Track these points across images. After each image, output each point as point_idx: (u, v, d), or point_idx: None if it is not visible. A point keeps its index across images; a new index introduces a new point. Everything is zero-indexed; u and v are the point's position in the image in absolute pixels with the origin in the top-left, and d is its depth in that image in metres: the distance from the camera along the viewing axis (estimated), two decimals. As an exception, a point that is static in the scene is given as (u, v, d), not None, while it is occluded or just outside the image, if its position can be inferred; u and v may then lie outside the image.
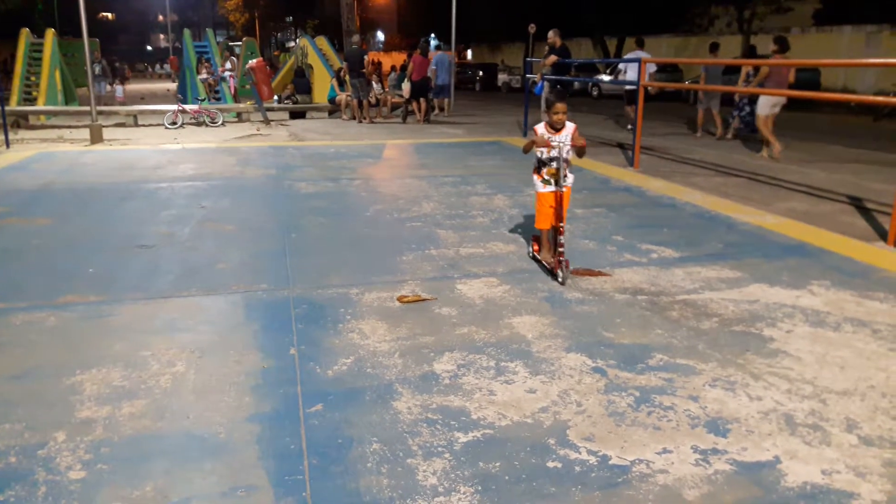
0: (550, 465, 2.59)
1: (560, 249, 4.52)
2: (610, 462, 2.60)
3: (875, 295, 4.40)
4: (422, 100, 15.88)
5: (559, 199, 4.70)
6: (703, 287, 4.55)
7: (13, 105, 16.16)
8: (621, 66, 13.80)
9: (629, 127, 14.10)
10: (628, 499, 2.38)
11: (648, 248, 5.43)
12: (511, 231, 6.04)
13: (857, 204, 7.23)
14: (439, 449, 2.69)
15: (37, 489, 2.42)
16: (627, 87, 13.85)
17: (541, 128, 4.81)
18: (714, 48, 13.75)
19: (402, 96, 17.07)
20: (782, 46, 10.32)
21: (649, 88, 11.81)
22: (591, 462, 2.61)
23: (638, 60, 10.10)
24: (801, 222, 6.34)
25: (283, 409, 2.99)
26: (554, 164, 4.74)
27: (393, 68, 23.91)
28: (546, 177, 4.78)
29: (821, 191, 7.94)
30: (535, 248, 5.10)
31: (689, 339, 3.72)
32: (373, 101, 16.69)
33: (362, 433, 2.80)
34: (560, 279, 4.56)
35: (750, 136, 12.46)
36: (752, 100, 11.55)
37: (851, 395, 3.12)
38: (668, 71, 26.57)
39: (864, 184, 8.32)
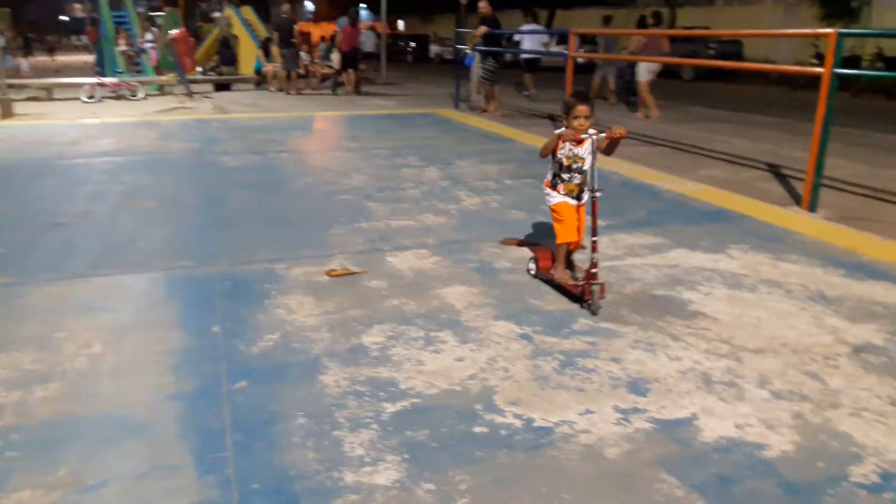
0: (477, 430, 2.62)
1: (593, 271, 3.65)
2: (534, 425, 2.65)
3: (789, 257, 4.60)
4: (351, 71, 15.62)
5: (579, 211, 3.95)
6: (627, 253, 4.65)
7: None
8: (516, 37, 14.37)
9: (525, 93, 15.14)
10: (552, 459, 2.44)
11: (576, 217, 5.51)
12: (442, 203, 6.03)
13: (775, 171, 7.51)
14: (366, 420, 2.68)
15: None
16: (524, 55, 15.18)
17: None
18: (607, 20, 15.60)
19: (331, 67, 16.75)
20: (657, 20, 12.35)
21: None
22: (516, 426, 2.65)
23: (532, 33, 10.84)
24: (721, 189, 6.54)
25: (206, 387, 2.92)
26: (576, 178, 3.88)
27: (322, 39, 23.41)
28: (563, 192, 3.93)
29: (741, 159, 8.21)
30: (545, 265, 4.10)
31: (612, 303, 3.81)
32: (302, 72, 16.32)
33: (288, 408, 2.76)
34: (591, 307, 3.67)
35: (632, 99, 13.39)
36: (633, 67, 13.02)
37: (765, 353, 3.25)
38: (595, 43, 26.89)
39: (781, 151, 8.65)
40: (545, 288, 4.06)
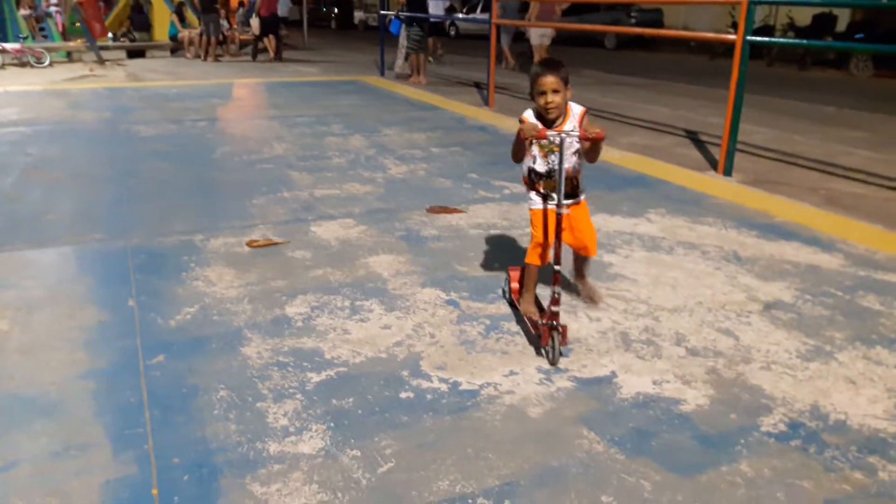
0: (403, 395, 2.62)
1: (554, 309, 2.78)
2: (460, 388, 2.67)
3: (705, 220, 4.75)
4: (272, 36, 15.17)
5: (560, 222, 2.83)
6: (552, 219, 4.71)
7: None
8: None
9: (430, 59, 14.79)
10: (477, 420, 2.46)
11: (501, 185, 5.55)
12: (368, 171, 5.96)
13: (693, 137, 7.73)
14: (291, 390, 2.64)
15: None
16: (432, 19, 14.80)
17: (530, 115, 3.00)
18: None
19: (251, 33, 16.22)
20: None
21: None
22: (442, 389, 2.66)
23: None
24: (641, 155, 6.70)
25: (122, 362, 2.81)
26: (554, 175, 2.91)
27: (241, 3, 22.60)
28: (543, 190, 3.06)
29: (661, 125, 8.41)
30: (514, 287, 3.33)
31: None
32: (220, 38, 15.74)
33: (208, 381, 2.69)
34: (549, 355, 2.85)
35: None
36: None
37: (681, 312, 3.37)
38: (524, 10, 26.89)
39: (699, 118, 8.90)
40: (472, 254, 4.07)
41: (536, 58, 12.00)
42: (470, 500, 2.07)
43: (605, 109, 9.45)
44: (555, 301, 2.80)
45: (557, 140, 2.78)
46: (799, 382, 2.76)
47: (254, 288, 3.57)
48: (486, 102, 9.51)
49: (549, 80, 2.87)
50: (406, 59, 12.35)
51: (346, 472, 2.20)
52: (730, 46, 5.96)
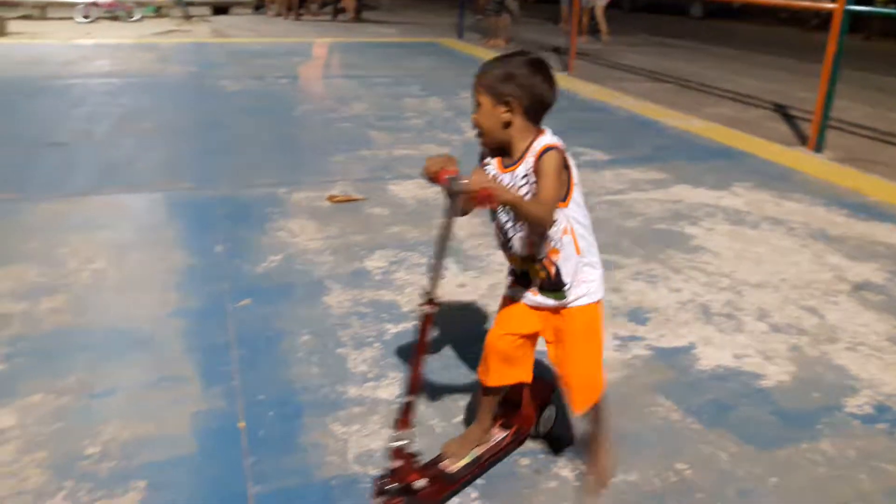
0: (474, 350, 2.64)
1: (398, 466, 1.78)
2: (537, 347, 2.68)
3: (792, 196, 4.58)
4: (354, -4, 15.21)
5: (528, 322, 1.90)
6: (630, 188, 4.63)
7: None
8: None
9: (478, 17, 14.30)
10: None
11: (579, 151, 5.47)
12: (445, 133, 5.96)
13: (782, 111, 7.41)
14: (369, 339, 2.71)
15: (-50, 384, 2.34)
16: None
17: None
18: None
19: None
20: None
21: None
22: (517, 350, 2.68)
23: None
24: (727, 127, 6.47)
25: (210, 304, 2.94)
26: (514, 245, 1.85)
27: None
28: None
29: (748, 97, 8.10)
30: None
31: (614, 236, 3.81)
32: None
33: (292, 326, 2.79)
34: None
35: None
36: None
37: (765, 287, 3.28)
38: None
39: (789, 91, 8.52)
40: (548, 219, 4.05)
41: (585, 21, 11.69)
42: (541, 456, 2.10)
43: (688, 79, 9.15)
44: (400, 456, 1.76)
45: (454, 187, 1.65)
46: (888, 366, 2.67)
47: (334, 241, 3.65)
48: (566, 68, 9.34)
49: (475, 88, 1.78)
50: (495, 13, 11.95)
51: (421, 417, 2.25)
52: (825, 18, 5.67)
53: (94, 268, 3.21)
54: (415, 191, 4.46)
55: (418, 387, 1.78)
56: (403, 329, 2.80)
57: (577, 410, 1.89)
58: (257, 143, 5.47)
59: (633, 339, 2.78)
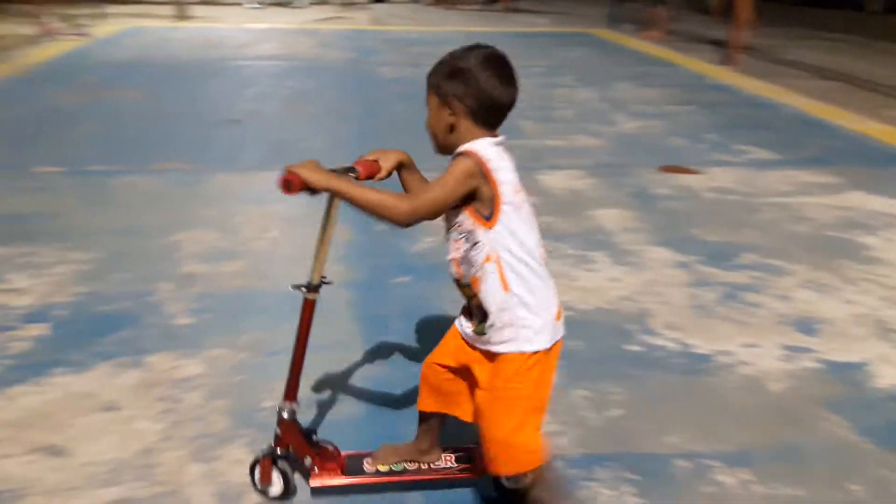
0: (631, 348, 2.62)
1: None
2: (692, 350, 2.61)
3: None
4: (507, -14, 15.25)
5: (460, 355, 1.69)
6: (799, 191, 4.36)
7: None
8: None
9: None
10: (710, 385, 2.41)
11: (742, 149, 5.21)
12: (597, 125, 5.87)
13: (975, 116, 6.69)
14: (522, 326, 2.74)
15: (149, 331, 2.61)
16: None
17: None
18: None
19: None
20: None
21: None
22: (671, 348, 2.62)
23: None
24: (910, 132, 5.94)
25: (372, 278, 3.09)
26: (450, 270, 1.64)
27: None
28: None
29: (935, 100, 7.36)
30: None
31: (780, 240, 3.62)
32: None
33: (447, 305, 2.87)
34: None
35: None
36: None
37: (951, 307, 3.00)
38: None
39: (984, 95, 7.66)
40: (707, 218, 3.91)
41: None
42: (702, 460, 2.05)
43: (862, 77, 8.45)
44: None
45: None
46: None
47: (487, 226, 3.71)
48: (728, 61, 8.90)
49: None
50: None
51: (575, 408, 2.26)
52: None
53: (270, 237, 3.46)
54: (566, 181, 4.44)
55: (301, 365, 1.83)
56: (556, 318, 2.80)
57: (494, 471, 1.64)
58: (412, 129, 5.60)
59: (801, 350, 2.63)
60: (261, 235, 3.47)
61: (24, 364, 2.40)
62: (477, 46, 1.58)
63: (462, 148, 1.52)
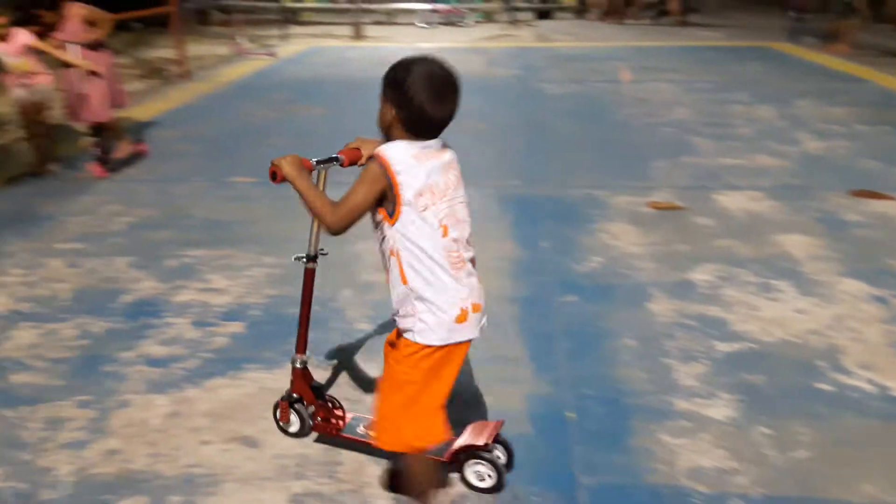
0: (821, 386, 2.44)
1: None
2: (891, 393, 2.39)
3: None
4: (678, -1, 14.76)
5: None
6: None
7: (287, 2, 17.63)
8: None
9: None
10: (914, 434, 2.19)
11: (950, 173, 4.71)
12: (778, 144, 5.53)
13: None
14: (697, 354, 2.64)
15: (332, 334, 2.79)
16: None
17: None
18: None
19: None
20: None
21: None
22: (867, 390, 2.41)
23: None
24: None
25: (538, 295, 3.11)
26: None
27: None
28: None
29: None
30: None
31: None
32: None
33: (616, 327, 2.83)
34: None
35: None
36: None
37: None
38: None
39: None
40: (907, 249, 3.57)
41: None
42: None
43: None
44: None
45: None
46: None
47: (657, 248, 3.61)
48: (929, 77, 8.06)
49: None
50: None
51: (755, 446, 2.14)
52: None
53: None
54: (745, 203, 4.22)
55: (307, 323, 2.14)
56: (735, 350, 2.67)
57: (377, 442, 1.80)
58: (578, 146, 5.60)
59: None
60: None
61: (223, 358, 2.65)
62: (423, 60, 1.64)
63: (375, 151, 1.64)
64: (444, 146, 1.71)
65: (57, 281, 3.28)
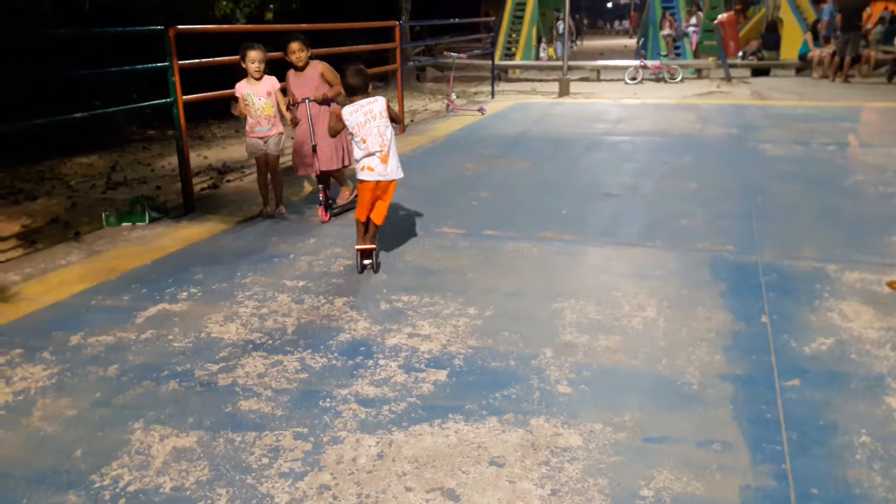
0: None
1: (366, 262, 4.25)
2: None
3: None
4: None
5: (379, 191, 4.24)
6: None
7: (496, 60, 18.36)
8: None
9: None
10: None
11: None
12: None
13: None
14: None
15: (532, 393, 2.78)
16: None
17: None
18: None
19: (891, 52, 14.58)
20: None
21: None
22: None
23: None
24: None
25: (757, 375, 2.87)
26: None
27: (881, 19, 20.46)
28: None
29: None
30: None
31: None
32: (855, 57, 14.58)
33: (848, 422, 2.54)
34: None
35: None
36: None
37: None
38: None
39: None
40: None
41: None
42: None
43: None
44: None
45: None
46: None
47: (898, 334, 3.22)
48: None
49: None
50: None
51: None
52: None
53: (645, 315, 3.46)
54: None
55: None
56: None
57: (379, 222, 4.23)
58: (802, 212, 5.19)
59: None
60: (636, 313, 3.48)
61: (427, 405, 2.73)
62: (355, 62, 4.12)
63: (334, 106, 4.63)
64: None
65: (284, 315, 3.60)
